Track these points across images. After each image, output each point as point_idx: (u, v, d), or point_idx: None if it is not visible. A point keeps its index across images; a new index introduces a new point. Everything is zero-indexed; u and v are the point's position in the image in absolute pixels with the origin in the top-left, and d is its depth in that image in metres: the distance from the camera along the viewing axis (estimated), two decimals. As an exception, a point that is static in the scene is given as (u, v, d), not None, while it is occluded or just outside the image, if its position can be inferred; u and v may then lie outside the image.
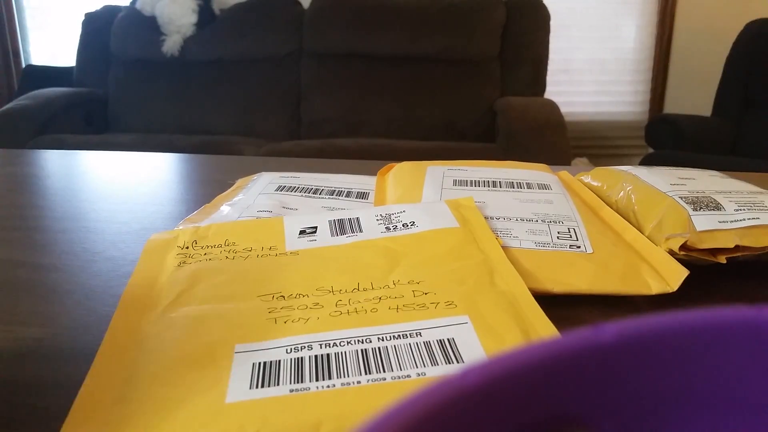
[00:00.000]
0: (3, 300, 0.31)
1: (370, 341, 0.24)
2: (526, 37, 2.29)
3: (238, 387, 0.22)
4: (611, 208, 0.42)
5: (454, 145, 2.05)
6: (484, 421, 0.11)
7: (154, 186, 0.56)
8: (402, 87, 2.29)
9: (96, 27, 2.48)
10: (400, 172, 0.48)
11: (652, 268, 0.32)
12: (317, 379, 0.22)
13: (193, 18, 2.34)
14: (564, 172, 0.51)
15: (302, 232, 0.35)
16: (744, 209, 0.35)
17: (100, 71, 2.47)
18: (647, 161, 2.12)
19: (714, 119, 2.25)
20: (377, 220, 0.37)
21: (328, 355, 0.23)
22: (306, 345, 0.24)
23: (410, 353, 0.23)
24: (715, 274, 0.34)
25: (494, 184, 0.45)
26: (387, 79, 2.31)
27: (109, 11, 2.50)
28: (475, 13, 2.26)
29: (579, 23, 2.59)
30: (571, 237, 0.36)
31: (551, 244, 0.35)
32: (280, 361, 0.23)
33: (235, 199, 0.44)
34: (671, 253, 0.33)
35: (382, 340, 0.24)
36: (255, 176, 0.51)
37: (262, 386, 0.22)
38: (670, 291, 0.30)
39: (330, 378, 0.22)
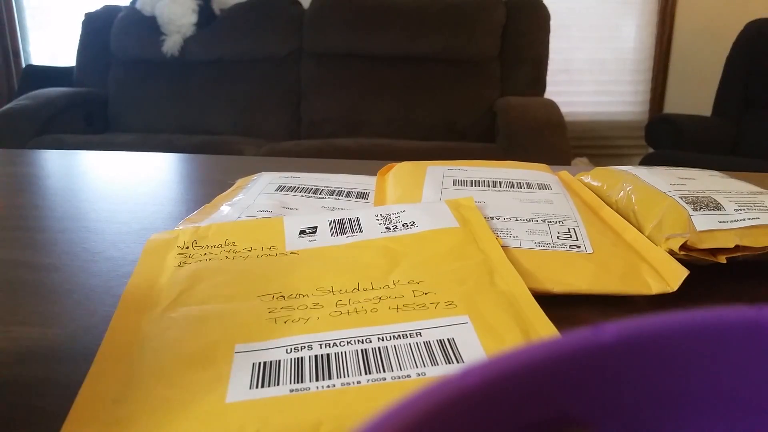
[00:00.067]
0: (3, 300, 0.31)
1: (370, 341, 0.24)
2: (526, 37, 2.29)
3: (238, 387, 0.22)
4: (611, 208, 0.42)
5: (454, 145, 2.05)
6: (484, 421, 0.11)
7: (154, 186, 0.56)
8: (402, 87, 2.29)
9: (96, 27, 2.48)
10: (400, 172, 0.48)
11: (652, 268, 0.32)
12: (317, 379, 0.22)
13: (193, 18, 2.34)
14: (564, 172, 0.51)
15: (302, 232, 0.35)
16: (744, 209, 0.35)
17: (100, 71, 2.47)
18: (647, 161, 2.12)
19: (714, 119, 2.25)
20: (377, 220, 0.37)
21: (328, 355, 0.23)
22: (306, 345, 0.24)
23: (410, 353, 0.23)
24: (715, 274, 0.34)
25: (494, 184, 0.45)
26: (387, 79, 2.31)
27: (109, 11, 2.50)
28: (475, 13, 2.26)
29: (579, 23, 2.59)
30: (571, 237, 0.36)
31: (551, 244, 0.35)
32: (280, 361, 0.23)
33: (235, 199, 0.44)
34: (671, 253, 0.33)
35: (382, 340, 0.24)
36: (255, 176, 0.51)
37: (262, 386, 0.22)
38: (670, 291, 0.30)
39: (330, 378, 0.22)
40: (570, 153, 1.95)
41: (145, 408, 0.21)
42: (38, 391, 0.23)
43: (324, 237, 0.35)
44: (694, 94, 2.54)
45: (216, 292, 0.29)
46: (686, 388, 0.12)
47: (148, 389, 0.22)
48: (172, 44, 2.35)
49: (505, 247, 0.34)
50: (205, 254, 0.33)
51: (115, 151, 0.74)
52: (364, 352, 0.24)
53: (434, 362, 0.23)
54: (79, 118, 2.32)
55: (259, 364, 0.23)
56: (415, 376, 0.22)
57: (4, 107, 2.17)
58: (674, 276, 0.31)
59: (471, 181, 0.45)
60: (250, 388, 0.22)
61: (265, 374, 0.22)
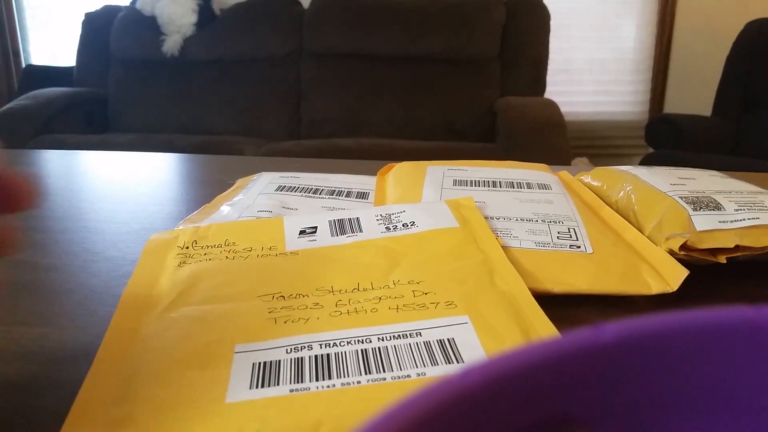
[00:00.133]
0: (3, 300, 0.31)
1: (370, 341, 0.24)
2: (526, 37, 2.29)
3: (238, 387, 0.22)
4: (611, 208, 0.42)
5: (454, 145, 2.05)
6: (484, 421, 0.11)
7: (154, 186, 0.56)
8: (402, 87, 2.29)
9: (96, 27, 2.48)
10: (400, 172, 0.48)
11: (652, 268, 0.32)
12: (317, 379, 0.22)
13: (193, 18, 2.34)
14: (564, 172, 0.51)
15: (302, 232, 0.35)
16: (744, 209, 0.35)
17: (100, 71, 2.47)
18: (647, 161, 2.12)
19: (714, 119, 2.25)
20: (377, 220, 0.37)
21: (328, 355, 0.23)
22: (306, 345, 0.24)
23: (410, 353, 0.23)
24: (715, 274, 0.34)
25: (494, 184, 0.45)
26: (387, 79, 2.31)
27: (109, 11, 2.50)
28: (475, 13, 2.26)
29: (579, 23, 2.59)
30: (571, 237, 0.36)
31: (551, 244, 0.35)
32: (280, 361, 0.23)
33: (235, 199, 0.44)
34: (671, 253, 0.33)
35: (382, 340, 0.24)
36: (255, 176, 0.51)
37: (262, 386, 0.22)
38: (670, 291, 0.30)
39: (330, 378, 0.22)
40: (570, 153, 1.95)
41: (145, 408, 0.21)
42: (38, 391, 0.23)
43: (324, 237, 0.35)
44: (694, 94, 2.54)
45: (216, 292, 0.29)
46: (686, 388, 0.12)
47: (148, 389, 0.22)
48: (172, 44, 2.35)
49: (505, 247, 0.34)
50: (205, 254, 0.33)
51: (115, 151, 0.74)
52: (364, 352, 0.24)
53: (434, 362, 0.23)
54: (79, 118, 2.32)
55: (259, 364, 0.23)
56: (415, 376, 0.22)
57: (4, 107, 2.17)
58: (674, 276, 0.31)
59: (471, 181, 0.45)
60: (250, 388, 0.22)
61: (265, 374, 0.22)
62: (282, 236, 0.35)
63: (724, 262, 0.32)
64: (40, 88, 2.33)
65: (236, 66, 2.37)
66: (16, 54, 2.85)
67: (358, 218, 0.37)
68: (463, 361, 0.23)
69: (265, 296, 0.28)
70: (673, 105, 2.63)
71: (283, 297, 0.28)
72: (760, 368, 0.12)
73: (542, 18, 2.30)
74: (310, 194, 0.45)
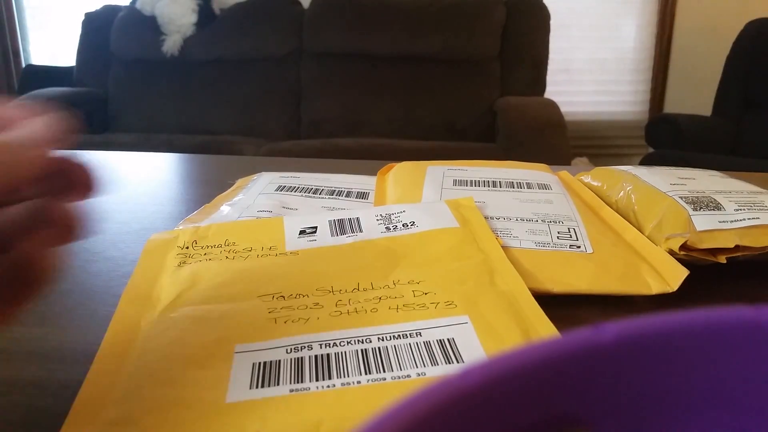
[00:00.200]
0: (3, 300, 0.31)
1: (370, 341, 0.24)
2: (526, 37, 2.29)
3: (238, 387, 0.22)
4: (611, 208, 0.42)
5: (454, 145, 2.05)
6: (484, 421, 0.11)
7: (154, 186, 0.56)
8: (402, 87, 2.29)
9: (96, 27, 2.48)
10: (400, 172, 0.48)
11: (652, 268, 0.32)
12: (317, 379, 0.22)
13: (193, 18, 2.34)
14: (564, 172, 0.51)
15: (302, 232, 0.35)
16: (744, 209, 0.35)
17: (100, 71, 2.47)
18: (647, 161, 2.12)
19: (714, 119, 2.25)
20: (377, 220, 0.37)
21: (328, 355, 0.23)
22: (306, 345, 0.24)
23: (410, 353, 0.23)
24: (715, 274, 0.34)
25: (494, 184, 0.45)
26: (387, 79, 2.31)
27: (109, 11, 2.50)
28: (475, 13, 2.26)
29: (579, 23, 2.59)
30: (571, 237, 0.36)
31: (551, 244, 0.35)
32: (280, 361, 0.23)
33: (235, 199, 0.44)
34: (671, 253, 0.33)
35: (382, 340, 0.24)
36: (255, 176, 0.51)
37: (262, 386, 0.22)
38: (670, 291, 0.30)
39: (330, 378, 0.22)
40: (570, 153, 1.95)
41: (145, 408, 0.21)
42: (38, 391, 0.23)
43: (324, 237, 0.35)
44: (694, 94, 2.54)
45: (216, 292, 0.29)
46: (686, 388, 0.12)
47: (148, 389, 0.22)
48: (172, 44, 2.35)
49: (505, 247, 0.34)
50: (205, 254, 0.33)
51: (115, 151, 0.74)
52: (364, 352, 0.24)
53: (434, 362, 0.23)
54: (79, 119, 2.32)
55: (259, 364, 0.23)
56: (415, 376, 0.22)
57: (4, 107, 2.16)
58: (674, 276, 0.31)
59: (471, 181, 0.45)
60: (250, 388, 0.22)
61: (265, 374, 0.22)
62: (282, 236, 0.35)
63: (724, 262, 0.32)
64: (40, 88, 2.33)
65: (236, 66, 2.37)
66: (16, 54, 2.85)
67: (358, 218, 0.37)
68: (463, 361, 0.23)
69: (265, 296, 0.28)
70: (673, 105, 2.63)
71: (283, 297, 0.28)
72: (760, 368, 0.12)
73: (542, 18, 2.30)
74: (310, 194, 0.45)
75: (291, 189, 0.46)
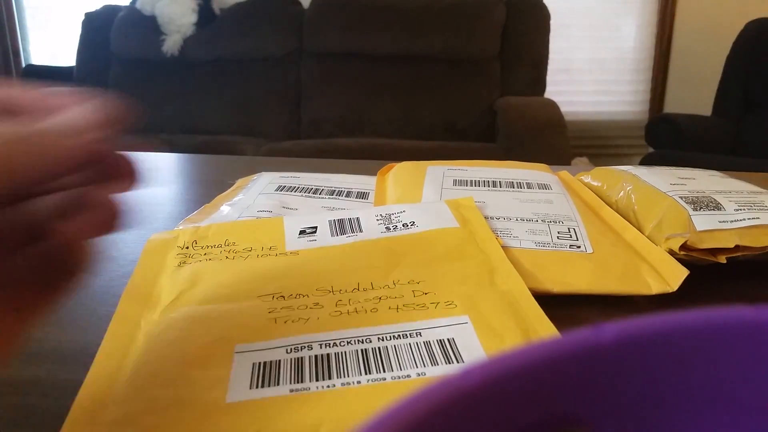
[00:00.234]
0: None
1: (370, 341, 0.24)
2: (526, 37, 2.29)
3: (238, 387, 0.22)
4: (611, 208, 0.42)
5: (454, 145, 2.05)
6: (484, 421, 0.11)
7: (154, 186, 0.56)
8: (402, 87, 2.29)
9: (96, 27, 2.48)
10: (400, 172, 0.48)
11: (652, 268, 0.32)
12: (317, 379, 0.22)
13: (193, 18, 2.34)
14: (564, 172, 0.51)
15: (302, 232, 0.35)
16: (744, 209, 0.35)
17: (100, 71, 2.47)
18: (647, 161, 2.11)
19: (714, 119, 2.25)
20: (377, 220, 0.37)
21: (328, 355, 0.23)
22: (306, 345, 0.24)
23: (410, 353, 0.23)
24: (715, 274, 0.34)
25: (494, 184, 0.45)
26: (387, 79, 2.31)
27: (109, 11, 2.50)
28: (475, 13, 2.25)
29: (579, 23, 2.58)
30: (571, 237, 0.36)
31: (551, 244, 0.35)
32: (280, 361, 0.23)
33: (235, 199, 0.44)
34: (671, 252, 0.33)
35: (382, 340, 0.24)
36: (255, 176, 0.51)
37: (262, 386, 0.22)
38: (670, 291, 0.30)
39: (330, 378, 0.22)
40: (570, 153, 1.95)
41: (145, 408, 0.21)
42: (38, 391, 0.23)
43: (324, 237, 0.35)
44: (694, 94, 2.54)
45: (216, 292, 0.29)
46: (686, 388, 0.12)
47: (148, 389, 0.22)
48: (172, 44, 2.35)
49: (505, 247, 0.34)
50: (205, 254, 0.33)
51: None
52: (364, 352, 0.24)
53: (434, 362, 0.23)
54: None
55: (259, 364, 0.23)
56: (415, 376, 0.22)
57: (4, 107, 2.16)
58: (674, 276, 0.31)
59: (471, 181, 0.45)
60: (250, 388, 0.22)
61: (265, 374, 0.22)
62: (282, 236, 0.35)
63: (724, 262, 0.32)
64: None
65: (236, 66, 2.37)
66: (16, 54, 2.85)
67: (358, 218, 0.37)
68: (463, 361, 0.23)
69: (265, 296, 0.28)
70: (673, 105, 2.63)
71: (283, 297, 0.28)
72: (760, 368, 0.12)
73: (542, 18, 2.30)
74: (310, 194, 0.45)
75: (291, 189, 0.46)
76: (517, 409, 0.11)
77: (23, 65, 2.80)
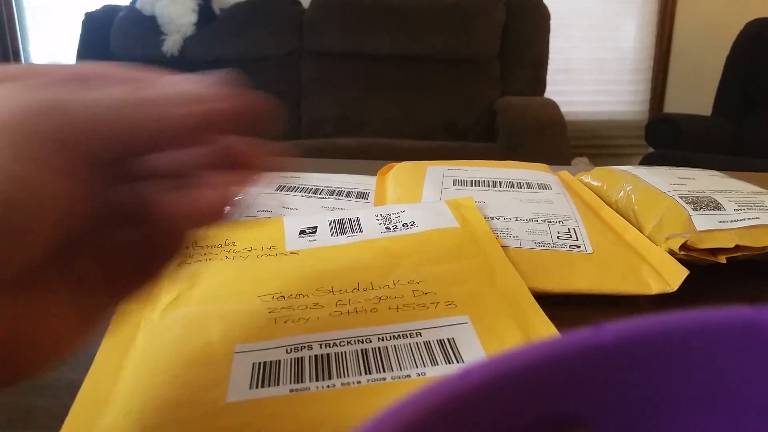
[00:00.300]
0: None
1: (370, 341, 0.24)
2: (526, 37, 2.29)
3: (238, 387, 0.22)
4: (611, 208, 0.42)
5: (454, 145, 2.05)
6: (484, 420, 0.11)
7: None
8: (402, 87, 2.29)
9: (96, 27, 2.48)
10: (400, 172, 0.48)
11: (652, 268, 0.32)
12: (317, 379, 0.22)
13: (193, 18, 2.34)
14: (564, 172, 0.51)
15: (302, 232, 0.35)
16: (744, 209, 0.35)
17: (100, 71, 2.47)
18: (647, 161, 2.11)
19: (714, 119, 2.24)
20: (377, 220, 0.37)
21: (328, 355, 0.23)
22: (306, 345, 0.24)
23: (410, 353, 0.23)
24: (715, 274, 0.34)
25: (494, 184, 0.45)
26: (387, 79, 2.31)
27: (109, 11, 2.50)
28: (475, 13, 2.25)
29: (579, 23, 2.58)
30: (571, 237, 0.36)
31: (551, 244, 0.35)
32: (280, 361, 0.23)
33: (235, 199, 0.44)
34: (671, 252, 0.33)
35: (382, 340, 0.24)
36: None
37: (262, 386, 0.22)
38: (670, 291, 0.30)
39: (330, 378, 0.22)
40: (570, 153, 1.95)
41: (145, 408, 0.21)
42: (38, 391, 0.23)
43: (324, 237, 0.35)
44: (694, 94, 2.54)
45: (216, 292, 0.29)
46: (686, 388, 0.12)
47: (148, 389, 0.22)
48: (172, 44, 2.35)
49: (505, 247, 0.34)
50: (205, 254, 0.33)
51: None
52: (364, 352, 0.24)
53: (434, 362, 0.23)
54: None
55: (259, 364, 0.23)
56: (415, 376, 0.22)
57: (4, 107, 2.16)
58: (674, 276, 0.31)
59: (471, 181, 0.45)
60: (250, 388, 0.22)
61: (265, 374, 0.22)
62: (282, 236, 0.35)
63: (724, 262, 0.32)
64: (40, 88, 2.33)
65: (236, 66, 2.37)
66: (16, 54, 2.85)
67: (358, 218, 0.37)
68: (463, 361, 0.23)
69: (265, 296, 0.28)
70: (673, 105, 2.63)
71: (283, 297, 0.28)
72: (760, 368, 0.12)
73: (542, 18, 2.30)
74: (310, 194, 0.45)
75: (291, 189, 0.46)
76: (517, 409, 0.11)
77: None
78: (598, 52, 2.62)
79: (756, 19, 2.17)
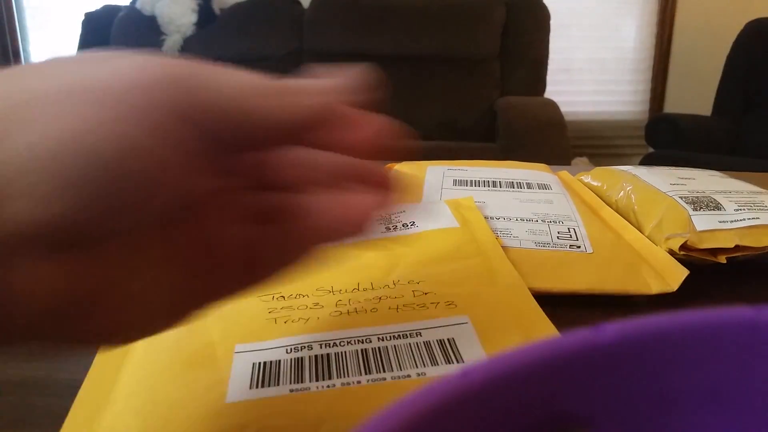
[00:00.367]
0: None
1: (370, 341, 0.24)
2: (526, 37, 2.29)
3: (238, 387, 0.22)
4: (611, 208, 0.42)
5: (454, 145, 2.05)
6: (484, 420, 0.11)
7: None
8: (402, 87, 2.29)
9: (96, 27, 2.48)
10: (400, 172, 0.48)
11: (652, 268, 0.32)
12: (317, 379, 0.22)
13: (193, 18, 2.34)
14: (564, 172, 0.51)
15: (302, 232, 0.35)
16: (744, 209, 0.35)
17: (100, 71, 2.47)
18: (647, 161, 2.12)
19: (714, 119, 2.24)
20: (377, 219, 0.37)
21: (328, 355, 0.23)
22: (306, 345, 0.24)
23: (410, 353, 0.23)
24: (715, 274, 0.34)
25: (494, 184, 0.45)
26: (387, 79, 2.30)
27: (109, 11, 2.50)
28: (475, 13, 2.26)
29: (579, 23, 2.58)
30: (571, 237, 0.36)
31: (551, 244, 0.35)
32: (280, 361, 0.23)
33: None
34: (671, 252, 0.33)
35: (382, 340, 0.24)
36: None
37: (262, 386, 0.22)
38: (670, 291, 0.30)
39: (330, 378, 0.22)
40: (570, 153, 1.95)
41: (145, 408, 0.21)
42: (38, 391, 0.23)
43: (324, 237, 0.35)
44: (694, 94, 2.54)
45: (216, 292, 0.29)
46: (686, 388, 0.12)
47: (148, 389, 0.22)
48: (172, 44, 2.35)
49: (505, 247, 0.34)
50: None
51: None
52: (364, 352, 0.24)
53: (434, 362, 0.23)
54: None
55: (259, 364, 0.23)
56: (415, 376, 0.22)
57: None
58: (674, 276, 0.31)
59: (471, 181, 0.45)
60: (250, 388, 0.22)
61: (265, 374, 0.22)
62: (282, 236, 0.35)
63: (724, 262, 0.32)
64: (40, 88, 2.33)
65: (236, 66, 2.37)
66: (16, 54, 2.85)
67: (358, 218, 0.37)
68: (463, 361, 0.23)
69: (265, 296, 0.28)
70: (673, 105, 2.63)
71: (283, 297, 0.28)
72: (760, 368, 0.12)
73: (542, 18, 2.30)
74: (310, 194, 0.45)
75: (291, 189, 0.46)
76: (516, 409, 0.11)
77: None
78: (598, 52, 2.62)
79: (756, 19, 2.17)
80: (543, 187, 0.44)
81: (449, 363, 0.23)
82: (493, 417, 0.11)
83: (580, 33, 2.60)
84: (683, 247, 0.33)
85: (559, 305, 0.30)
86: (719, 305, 0.12)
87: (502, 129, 2.03)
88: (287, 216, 0.17)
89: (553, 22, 2.32)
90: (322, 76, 0.17)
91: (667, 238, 0.34)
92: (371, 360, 0.23)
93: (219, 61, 0.16)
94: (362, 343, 0.24)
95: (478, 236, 0.34)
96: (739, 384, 0.12)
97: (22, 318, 0.13)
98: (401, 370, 0.22)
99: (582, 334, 0.11)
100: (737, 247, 0.32)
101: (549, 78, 2.34)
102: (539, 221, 0.38)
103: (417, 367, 0.23)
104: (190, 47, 2.36)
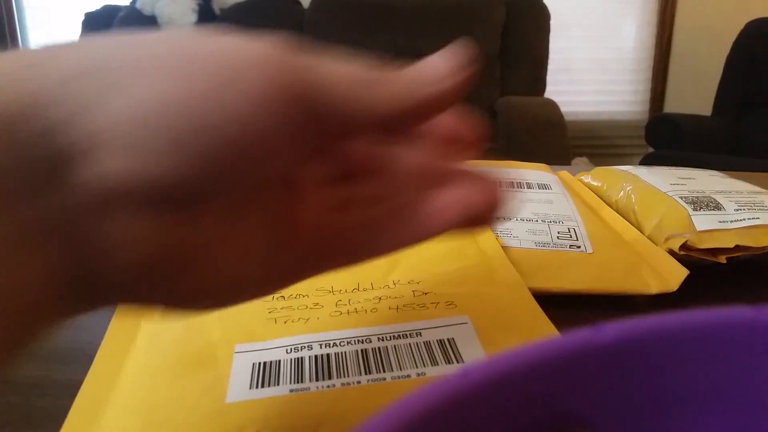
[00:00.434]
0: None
1: (370, 341, 0.24)
2: (526, 37, 2.29)
3: (238, 387, 0.22)
4: (611, 208, 0.42)
5: (454, 145, 2.05)
6: (484, 420, 0.11)
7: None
8: (402, 87, 2.29)
9: (96, 27, 2.48)
10: (400, 172, 0.48)
11: (652, 268, 0.32)
12: (317, 379, 0.22)
13: (193, 18, 2.34)
14: (564, 172, 0.51)
15: (302, 232, 0.35)
16: (744, 209, 0.35)
17: (100, 71, 2.47)
18: (647, 161, 2.11)
19: (714, 119, 2.25)
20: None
21: (328, 355, 0.23)
22: (306, 345, 0.24)
23: (410, 353, 0.23)
24: (715, 274, 0.34)
25: (494, 184, 0.45)
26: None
27: (109, 11, 2.50)
28: (475, 13, 2.26)
29: (579, 23, 2.58)
30: (571, 237, 0.36)
31: (551, 244, 0.35)
32: (280, 361, 0.23)
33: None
34: (671, 252, 0.33)
35: (382, 340, 0.24)
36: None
37: (262, 386, 0.22)
38: (670, 291, 0.30)
39: (330, 378, 0.22)
40: (570, 153, 1.95)
41: (145, 408, 0.21)
42: (38, 391, 0.23)
43: (324, 237, 0.35)
44: (694, 94, 2.54)
45: (216, 292, 0.29)
46: (686, 388, 0.12)
47: (148, 389, 0.22)
48: (172, 44, 2.35)
49: (505, 247, 0.34)
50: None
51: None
52: (364, 352, 0.24)
53: (434, 362, 0.23)
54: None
55: (259, 364, 0.23)
56: (415, 376, 0.22)
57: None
58: (674, 276, 0.31)
59: (471, 181, 0.45)
60: (250, 388, 0.22)
61: (265, 374, 0.22)
62: (282, 236, 0.35)
63: (724, 262, 0.32)
64: (40, 88, 2.33)
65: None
66: (16, 54, 2.84)
67: (358, 218, 0.37)
68: (463, 361, 0.23)
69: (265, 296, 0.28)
70: (673, 105, 2.63)
71: (283, 297, 0.28)
72: (760, 368, 0.12)
73: (542, 18, 2.30)
74: (310, 194, 0.45)
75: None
76: (516, 409, 0.11)
77: (23, 65, 2.80)
78: (598, 52, 2.62)
79: (756, 19, 2.17)
80: (543, 187, 0.44)
81: (449, 363, 0.23)
82: (493, 417, 0.11)
83: (580, 33, 2.60)
84: (683, 247, 0.33)
85: (559, 305, 0.30)
86: (719, 305, 0.12)
87: (502, 129, 2.03)
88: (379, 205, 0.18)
89: (553, 22, 2.32)
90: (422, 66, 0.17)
91: (667, 238, 0.34)
92: (371, 360, 0.23)
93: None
94: (362, 343, 0.24)
95: (478, 236, 0.34)
96: (739, 384, 0.12)
97: (116, 274, 0.14)
98: (401, 370, 0.22)
99: (582, 334, 0.11)
100: (737, 247, 0.32)
101: (549, 78, 2.33)
102: (539, 221, 0.38)
103: (417, 367, 0.23)
104: (190, 47, 2.36)
